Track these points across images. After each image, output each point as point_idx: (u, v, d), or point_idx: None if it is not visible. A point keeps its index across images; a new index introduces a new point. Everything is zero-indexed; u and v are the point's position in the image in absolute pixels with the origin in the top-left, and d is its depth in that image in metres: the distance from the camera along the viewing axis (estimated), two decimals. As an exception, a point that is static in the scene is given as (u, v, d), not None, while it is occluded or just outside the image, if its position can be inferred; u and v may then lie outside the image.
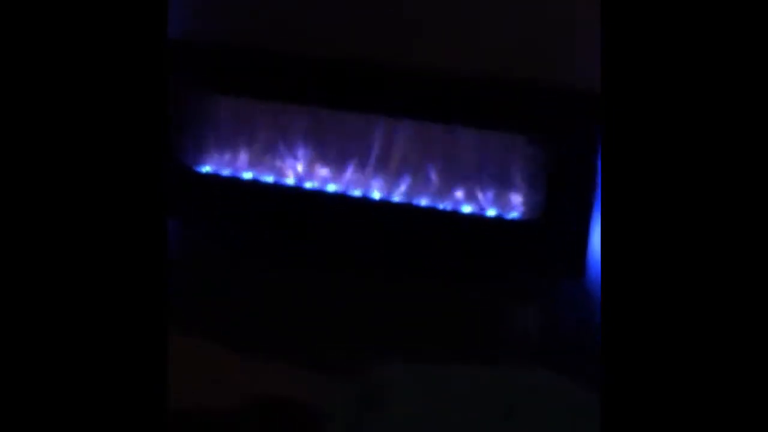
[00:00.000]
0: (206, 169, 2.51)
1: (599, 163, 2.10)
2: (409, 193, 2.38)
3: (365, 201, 2.39)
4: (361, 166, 2.41)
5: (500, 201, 2.33)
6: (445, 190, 2.35)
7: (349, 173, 2.42)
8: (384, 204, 2.37)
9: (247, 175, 2.48)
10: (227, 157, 2.51)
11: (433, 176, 2.36)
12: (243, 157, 2.50)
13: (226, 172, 2.50)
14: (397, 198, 2.38)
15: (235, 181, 2.47)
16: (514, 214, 2.31)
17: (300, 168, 2.46)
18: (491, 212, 2.31)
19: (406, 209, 2.35)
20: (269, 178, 2.46)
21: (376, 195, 2.39)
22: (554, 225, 2.20)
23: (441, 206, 2.34)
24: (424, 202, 2.36)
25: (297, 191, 2.43)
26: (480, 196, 2.33)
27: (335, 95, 2.34)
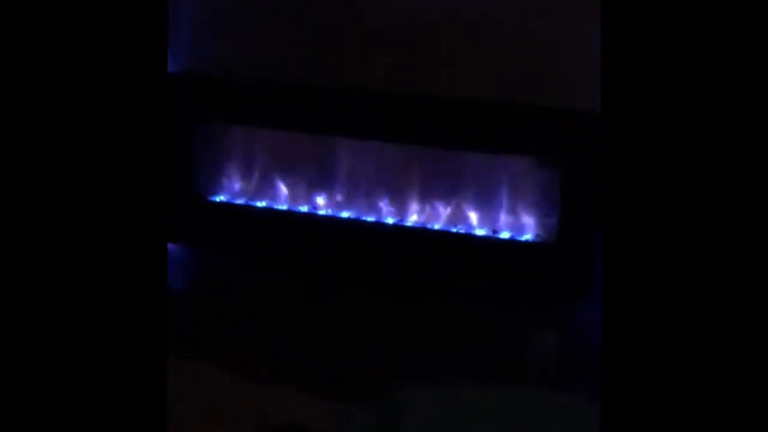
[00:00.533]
0: (220, 198, 2.52)
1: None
2: (423, 217, 2.38)
3: (379, 226, 2.39)
4: (374, 191, 2.42)
5: (513, 223, 2.33)
6: (459, 214, 2.36)
7: (363, 199, 2.43)
8: (398, 228, 2.37)
9: (261, 204, 2.49)
10: (240, 186, 2.53)
11: (446, 200, 2.37)
12: (255, 185, 2.51)
13: (239, 200, 2.51)
14: (410, 222, 2.38)
15: (248, 210, 2.49)
16: (527, 237, 2.31)
17: (313, 195, 2.47)
18: (505, 235, 2.32)
19: (420, 233, 2.36)
20: (282, 206, 2.48)
21: (390, 220, 2.40)
22: (567, 246, 2.20)
23: (454, 230, 2.34)
24: (437, 225, 2.36)
25: (310, 218, 2.44)
26: (493, 219, 2.34)
27: (349, 124, 2.35)
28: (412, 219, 2.39)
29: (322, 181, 2.47)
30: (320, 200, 2.47)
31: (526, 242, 2.30)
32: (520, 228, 2.32)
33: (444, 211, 2.37)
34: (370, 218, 2.41)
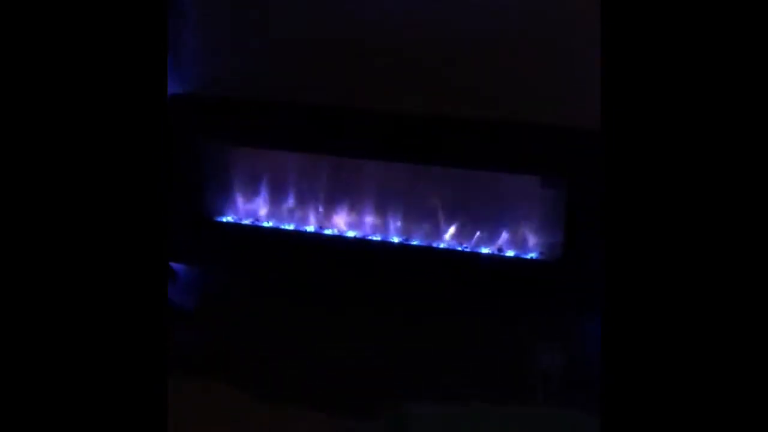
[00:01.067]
0: (227, 218, 2.54)
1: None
2: (428, 236, 2.40)
3: (385, 245, 2.41)
4: (380, 211, 2.44)
5: (518, 242, 2.35)
6: (464, 232, 2.37)
7: (368, 219, 2.45)
8: (403, 247, 2.39)
9: (267, 224, 2.51)
10: (248, 206, 2.54)
11: (451, 218, 2.38)
12: (263, 206, 2.53)
13: (246, 221, 2.53)
14: (416, 241, 2.40)
15: (255, 230, 2.50)
16: (532, 255, 2.32)
17: (319, 215, 2.48)
18: (509, 253, 2.33)
19: (426, 252, 2.37)
20: (289, 226, 2.49)
21: (396, 239, 2.41)
22: (572, 265, 2.21)
23: (460, 248, 2.36)
24: (443, 244, 2.38)
25: (316, 238, 2.45)
26: (498, 237, 2.35)
27: (355, 144, 2.37)
28: (418, 238, 2.40)
29: (328, 200, 2.48)
30: (326, 220, 2.48)
31: (531, 260, 2.31)
32: (524, 246, 2.34)
33: (449, 230, 2.39)
34: (377, 237, 2.43)
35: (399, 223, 2.42)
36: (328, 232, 2.46)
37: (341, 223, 2.47)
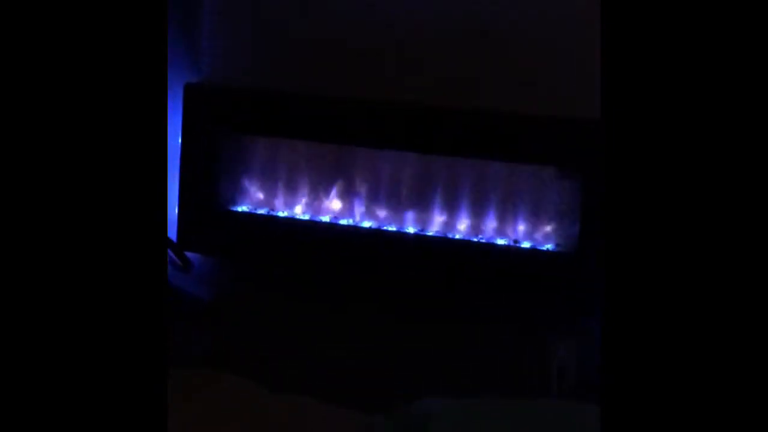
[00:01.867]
0: (242, 208, 2.54)
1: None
2: (444, 226, 2.39)
3: (400, 235, 2.40)
4: (395, 201, 2.43)
5: (534, 233, 2.33)
6: (480, 223, 2.36)
7: (383, 209, 2.44)
8: (419, 238, 2.38)
9: (283, 214, 2.50)
10: (263, 196, 2.54)
11: (467, 209, 2.37)
12: (278, 196, 2.52)
13: (261, 210, 2.53)
14: (431, 232, 2.39)
15: (270, 220, 2.50)
16: (548, 246, 2.31)
17: (334, 205, 2.48)
18: (525, 244, 2.32)
19: (441, 243, 2.36)
20: (304, 216, 2.49)
21: (411, 230, 2.40)
22: (588, 256, 2.20)
23: (475, 239, 2.35)
24: (458, 235, 2.37)
25: (332, 227, 2.45)
26: (514, 228, 2.34)
27: (370, 134, 2.37)
28: (433, 228, 2.39)
29: (343, 191, 2.47)
30: (341, 210, 2.47)
31: (547, 251, 2.30)
32: (540, 238, 2.32)
33: (465, 221, 2.37)
34: (392, 228, 2.42)
35: (414, 214, 2.41)
36: (342, 222, 2.46)
37: (356, 214, 2.46)
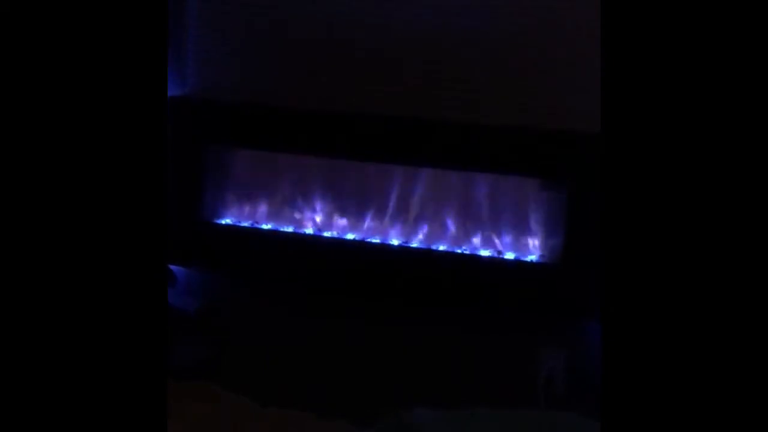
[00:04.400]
0: (226, 221, 2.54)
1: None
2: (428, 238, 2.40)
3: (384, 248, 2.40)
4: (380, 214, 2.43)
5: (518, 244, 2.35)
6: (463, 236, 2.37)
7: (368, 221, 2.44)
8: (403, 249, 2.39)
9: (266, 226, 2.50)
10: (247, 209, 2.54)
11: (451, 222, 2.38)
12: (262, 208, 2.53)
13: (245, 223, 2.53)
14: (415, 244, 2.40)
15: (254, 232, 2.50)
16: (532, 257, 2.32)
17: (318, 218, 2.48)
18: (509, 256, 2.33)
19: (425, 254, 2.37)
20: (288, 229, 2.49)
21: (395, 242, 2.41)
22: (572, 267, 2.21)
23: (459, 251, 2.36)
24: (442, 247, 2.38)
25: (316, 240, 2.45)
26: (498, 240, 2.35)
27: (353, 147, 2.37)
28: (418, 240, 2.40)
29: (326, 203, 2.48)
30: (325, 222, 2.48)
31: (531, 263, 2.31)
32: (525, 249, 2.34)
33: (449, 232, 2.38)
34: (376, 240, 2.42)
35: (398, 226, 2.41)
36: (327, 234, 2.46)
37: (340, 226, 2.46)
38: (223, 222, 2.53)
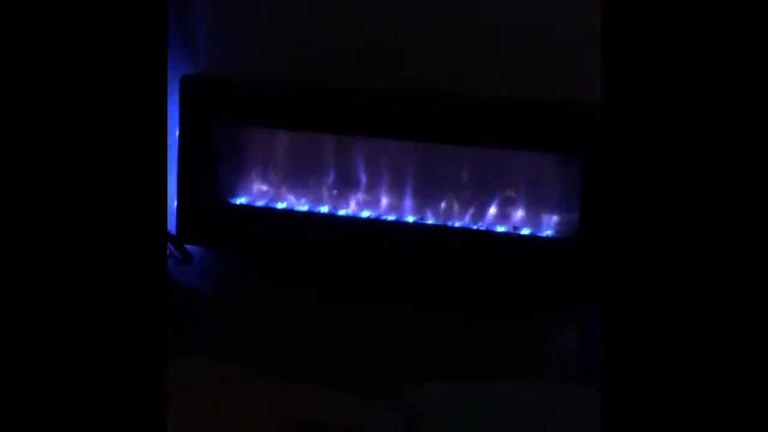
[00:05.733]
0: (241, 200, 2.53)
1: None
2: (443, 214, 2.38)
3: (399, 224, 2.39)
4: (394, 190, 2.42)
5: (534, 220, 2.33)
6: (479, 211, 2.36)
7: (383, 198, 2.43)
8: (418, 226, 2.37)
9: (282, 205, 2.50)
10: (261, 188, 2.54)
11: (466, 197, 2.37)
12: (277, 187, 2.52)
13: (260, 202, 2.52)
14: (431, 220, 2.38)
15: (269, 211, 2.50)
16: (547, 233, 2.30)
17: (333, 195, 2.48)
18: (525, 231, 2.31)
19: (441, 231, 2.36)
20: (303, 207, 2.48)
21: (410, 219, 2.40)
22: (588, 242, 2.19)
23: (475, 227, 2.34)
24: (458, 223, 2.36)
25: (330, 218, 2.44)
26: (514, 215, 2.34)
27: (366, 123, 2.36)
28: (433, 217, 2.39)
29: (341, 181, 2.47)
30: (340, 200, 2.47)
31: (547, 238, 2.29)
32: (540, 224, 2.32)
33: (464, 209, 2.37)
34: (390, 217, 2.41)
35: (413, 203, 2.40)
36: (341, 212, 2.45)
37: (355, 203, 2.45)
38: (238, 201, 2.53)
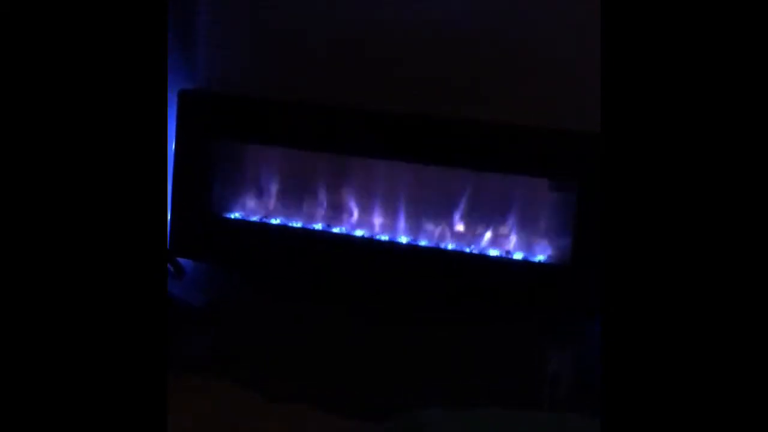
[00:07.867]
0: (235, 215, 2.53)
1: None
2: (437, 237, 2.39)
3: (392, 245, 2.39)
4: (388, 211, 2.42)
5: (527, 245, 2.33)
6: (472, 235, 2.36)
7: (376, 218, 2.43)
8: (411, 248, 2.38)
9: (275, 221, 2.50)
10: (256, 203, 2.54)
11: (460, 220, 2.37)
12: (271, 203, 2.52)
13: (254, 218, 2.52)
14: (424, 242, 2.38)
15: (263, 227, 2.50)
16: (540, 258, 2.30)
17: (327, 213, 2.48)
18: (518, 256, 2.31)
19: (434, 253, 2.36)
20: (296, 224, 2.48)
21: (404, 239, 2.40)
22: (581, 268, 2.20)
23: (467, 250, 2.34)
24: (451, 246, 2.36)
25: (324, 236, 2.44)
26: (506, 240, 2.34)
27: (361, 143, 2.37)
28: (426, 238, 2.39)
29: (336, 199, 2.47)
30: (334, 218, 2.47)
31: (540, 263, 2.29)
32: (533, 249, 2.32)
33: (458, 232, 2.37)
34: (384, 237, 2.41)
35: (406, 224, 2.40)
36: (335, 230, 2.45)
37: (349, 222, 2.45)
38: (232, 216, 2.53)
